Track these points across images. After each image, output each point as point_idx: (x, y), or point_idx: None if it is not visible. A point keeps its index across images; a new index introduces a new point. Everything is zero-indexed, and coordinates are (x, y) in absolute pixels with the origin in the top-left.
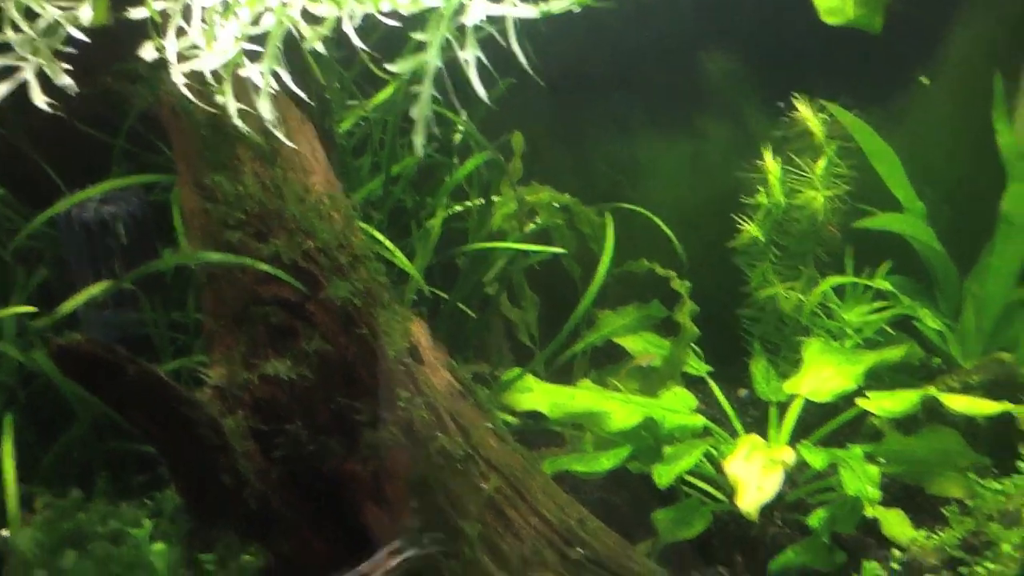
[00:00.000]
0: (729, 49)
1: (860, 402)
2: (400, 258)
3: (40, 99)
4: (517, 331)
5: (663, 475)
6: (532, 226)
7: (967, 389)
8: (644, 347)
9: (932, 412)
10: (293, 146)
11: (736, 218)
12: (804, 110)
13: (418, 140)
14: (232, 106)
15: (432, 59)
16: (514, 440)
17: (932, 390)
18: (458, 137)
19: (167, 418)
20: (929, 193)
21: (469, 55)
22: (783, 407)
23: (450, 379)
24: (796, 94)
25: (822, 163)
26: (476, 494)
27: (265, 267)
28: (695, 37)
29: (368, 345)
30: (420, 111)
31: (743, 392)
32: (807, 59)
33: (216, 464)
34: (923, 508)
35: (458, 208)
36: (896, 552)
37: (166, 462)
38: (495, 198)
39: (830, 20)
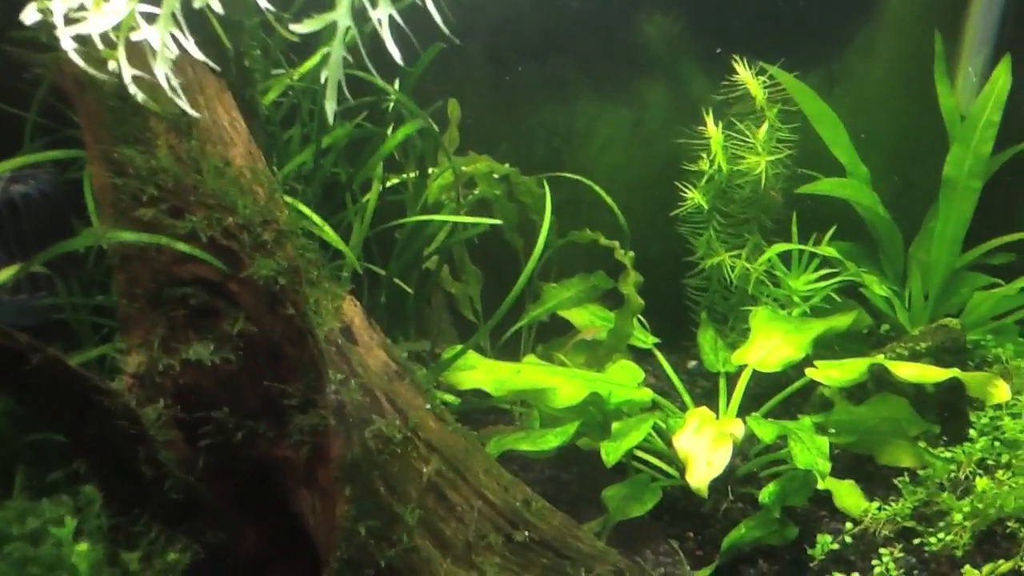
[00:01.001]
0: (667, 11)
1: (809, 372)
2: (329, 233)
3: None
4: (460, 306)
5: (611, 452)
6: (470, 197)
7: (915, 356)
8: (590, 320)
9: (881, 380)
10: (191, 111)
11: (679, 185)
12: (744, 73)
13: (329, 105)
14: (127, 72)
15: (342, 17)
16: (456, 421)
17: (880, 358)
18: (391, 107)
19: (78, 409)
20: (873, 157)
21: (381, 13)
22: (732, 378)
23: (386, 359)
24: (736, 57)
25: (764, 128)
26: (416, 478)
27: (182, 246)
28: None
29: (295, 325)
30: (330, 74)
31: (692, 364)
32: (746, 21)
33: (134, 455)
34: (874, 478)
35: (394, 180)
36: (849, 524)
37: (81, 455)
38: (431, 169)
39: None
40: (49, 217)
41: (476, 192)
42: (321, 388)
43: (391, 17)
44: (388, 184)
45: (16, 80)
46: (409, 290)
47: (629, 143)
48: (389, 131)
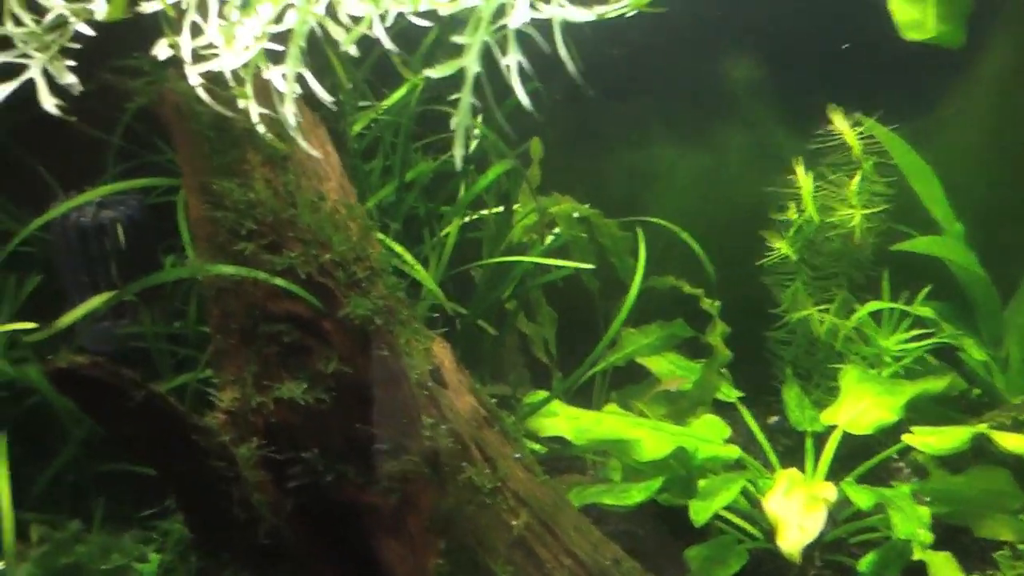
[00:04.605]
0: (756, 56)
1: (906, 438)
2: (420, 271)
3: (49, 101)
4: (533, 347)
5: (700, 511)
6: (551, 239)
7: (1018, 426)
8: (669, 368)
9: (979, 450)
10: (309, 149)
11: (763, 235)
12: (840, 123)
13: (458, 152)
14: (255, 111)
15: (472, 64)
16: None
17: (982, 427)
18: (473, 144)
19: (176, 447)
20: (967, 214)
21: (512, 60)
22: (819, 438)
23: (475, 404)
24: (831, 106)
25: (856, 179)
26: (505, 531)
27: (279, 281)
28: (720, 43)
29: (389, 367)
30: (460, 121)
31: (772, 419)
32: (837, 69)
33: (229, 496)
34: (970, 551)
35: (474, 217)
36: None
37: (174, 494)
38: (515, 207)
39: (911, 35)
40: (135, 243)
41: (557, 232)
42: (413, 433)
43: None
44: (467, 220)
45: (110, 107)
46: (491, 330)
47: (710, 189)
48: (471, 167)
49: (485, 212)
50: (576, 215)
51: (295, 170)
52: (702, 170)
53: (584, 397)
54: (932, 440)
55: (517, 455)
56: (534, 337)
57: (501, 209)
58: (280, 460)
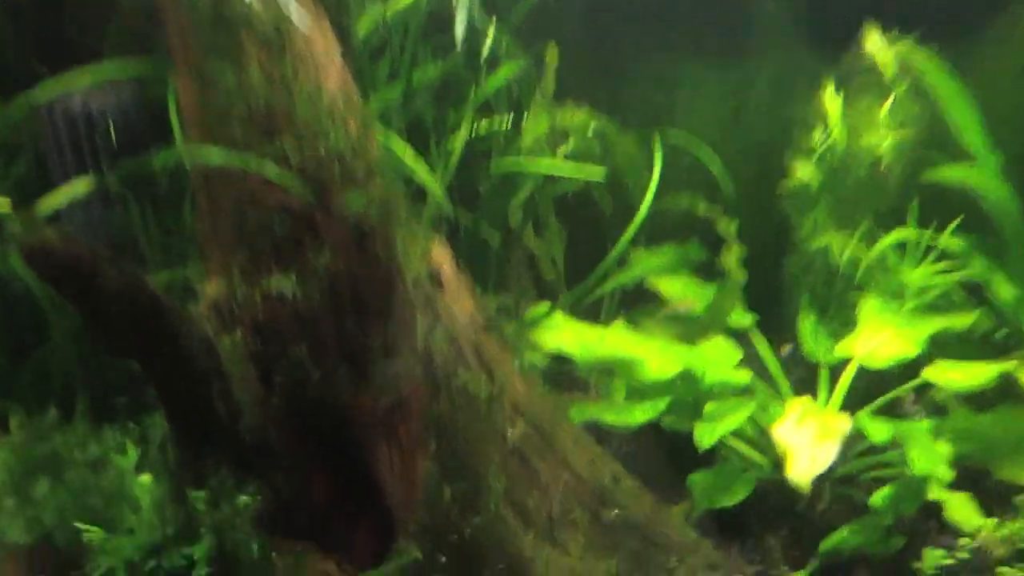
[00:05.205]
0: None
1: (926, 372)
2: (423, 172)
3: None
4: (540, 265)
5: (706, 434)
6: (562, 151)
7: None
8: (682, 291)
9: (1006, 391)
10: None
11: (786, 160)
12: (874, 41)
13: (459, 29)
14: None
15: None
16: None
17: (1011, 365)
18: (486, 50)
19: (154, 333)
20: (1008, 147)
21: None
22: (835, 370)
23: (473, 310)
24: (869, 23)
25: (889, 102)
26: (500, 440)
27: (271, 169)
28: None
29: (383, 265)
30: None
31: (787, 348)
32: None
33: (209, 389)
34: (989, 494)
35: (483, 125)
36: (964, 540)
37: (152, 383)
38: (526, 115)
39: None
40: (126, 134)
41: (568, 146)
42: (407, 335)
43: None
44: (477, 130)
45: None
46: (493, 243)
47: (734, 110)
48: (483, 71)
49: (495, 120)
50: (592, 129)
51: (293, 59)
52: (728, 90)
53: (592, 319)
54: (956, 375)
55: (516, 363)
56: (542, 255)
57: (511, 116)
58: (267, 356)
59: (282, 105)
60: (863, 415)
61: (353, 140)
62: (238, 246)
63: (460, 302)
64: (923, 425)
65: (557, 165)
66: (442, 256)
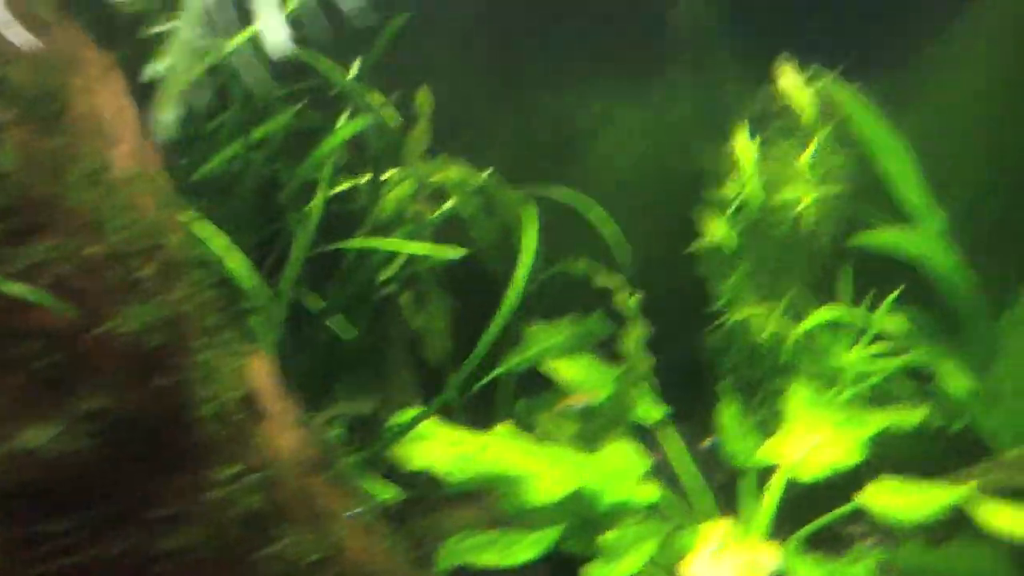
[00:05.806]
0: None
1: (861, 499)
2: (235, 264)
3: None
4: (424, 346)
5: None
6: (438, 213)
7: (1016, 493)
8: (583, 375)
9: (963, 522)
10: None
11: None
12: (789, 80)
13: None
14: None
15: None
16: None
17: (966, 489)
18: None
19: None
20: (955, 198)
21: None
22: (761, 474)
23: (302, 442)
24: (786, 56)
25: (810, 149)
26: None
27: (16, 288)
28: None
29: (174, 399)
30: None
31: (708, 441)
32: (800, 14)
33: None
34: None
35: (344, 186)
36: None
37: None
38: (391, 172)
39: None
40: None
41: (447, 206)
42: (194, 493)
43: None
44: (337, 190)
45: None
46: (356, 327)
47: (642, 154)
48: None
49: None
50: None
51: (69, 130)
52: (635, 129)
53: (486, 409)
54: (898, 502)
55: (357, 510)
56: (424, 333)
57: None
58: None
59: (45, 193)
60: (792, 549)
61: (145, 229)
62: None
63: (284, 433)
64: (864, 566)
65: (410, 245)
66: (261, 371)
